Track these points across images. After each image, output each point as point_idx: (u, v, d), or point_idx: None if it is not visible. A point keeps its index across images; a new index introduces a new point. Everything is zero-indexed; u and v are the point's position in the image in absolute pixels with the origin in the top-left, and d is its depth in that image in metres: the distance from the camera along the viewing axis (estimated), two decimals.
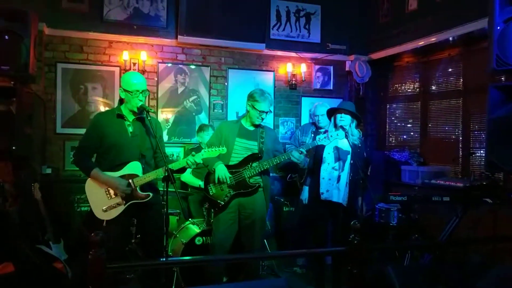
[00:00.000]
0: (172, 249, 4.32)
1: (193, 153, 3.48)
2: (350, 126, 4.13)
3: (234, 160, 3.88)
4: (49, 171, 5.21)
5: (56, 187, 5.07)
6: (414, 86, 6.33)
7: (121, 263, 2.79)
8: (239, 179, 3.84)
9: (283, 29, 6.29)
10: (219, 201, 3.85)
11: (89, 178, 3.43)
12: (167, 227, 3.32)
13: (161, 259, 3.39)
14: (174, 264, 3.68)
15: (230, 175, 3.81)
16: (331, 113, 4.27)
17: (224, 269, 4.14)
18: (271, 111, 4.04)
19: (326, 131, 3.92)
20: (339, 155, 4.16)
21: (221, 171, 3.79)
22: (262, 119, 3.96)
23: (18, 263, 3.91)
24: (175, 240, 4.39)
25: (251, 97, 3.96)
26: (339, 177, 4.13)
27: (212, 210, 4.20)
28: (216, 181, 3.82)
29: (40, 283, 3.98)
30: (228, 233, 3.92)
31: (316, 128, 5.26)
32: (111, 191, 3.40)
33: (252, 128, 4.01)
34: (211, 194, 3.90)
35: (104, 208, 3.36)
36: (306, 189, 4.43)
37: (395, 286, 3.09)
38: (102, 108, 5.51)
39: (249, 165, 3.84)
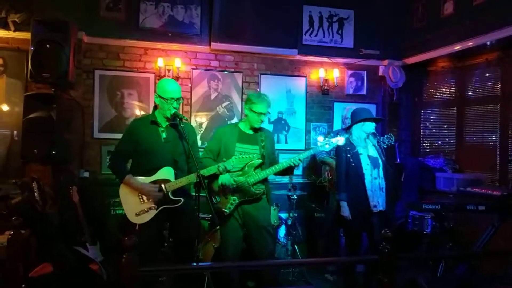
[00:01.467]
0: (204, 253, 4.38)
1: (224, 159, 3.53)
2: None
3: (236, 166, 3.76)
4: (86, 174, 5.38)
5: (93, 190, 5.22)
6: (449, 91, 6.20)
7: (152, 267, 2.86)
8: (243, 186, 3.77)
9: (316, 35, 6.28)
10: (224, 209, 3.76)
11: (122, 184, 3.54)
12: (198, 232, 3.38)
13: (192, 264, 3.45)
14: (204, 268, 3.72)
15: (233, 182, 3.74)
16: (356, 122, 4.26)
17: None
18: (269, 113, 3.96)
19: (327, 134, 3.85)
20: (374, 163, 4.15)
21: (224, 177, 3.71)
22: (262, 121, 3.88)
23: (56, 264, 4.06)
24: (207, 245, 4.45)
25: (248, 100, 3.88)
26: (379, 184, 4.13)
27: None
28: (221, 188, 3.74)
29: (77, 284, 4.11)
30: (237, 240, 3.89)
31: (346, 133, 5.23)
32: (144, 196, 3.49)
33: (251, 132, 3.93)
34: (215, 203, 3.81)
35: (137, 212, 3.46)
36: (345, 205, 4.21)
37: None
38: (138, 113, 5.64)
39: (252, 172, 3.78)
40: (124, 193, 3.53)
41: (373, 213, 4.12)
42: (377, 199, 4.11)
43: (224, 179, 3.70)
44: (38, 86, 4.93)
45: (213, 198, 3.82)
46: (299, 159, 3.73)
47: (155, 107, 3.67)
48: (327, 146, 3.77)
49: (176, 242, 3.79)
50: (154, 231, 3.53)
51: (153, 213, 3.47)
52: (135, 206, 3.48)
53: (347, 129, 4.37)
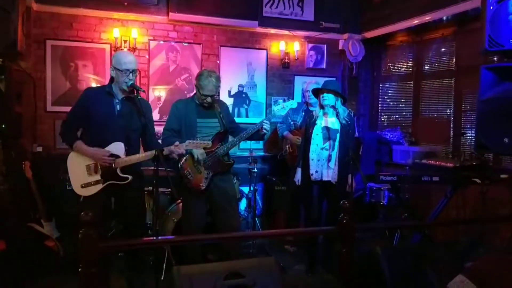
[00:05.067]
0: (164, 228, 4.34)
1: (177, 143, 3.44)
2: (335, 104, 4.17)
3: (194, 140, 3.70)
4: (40, 149, 5.20)
5: (47, 165, 5.04)
6: (407, 65, 6.31)
7: (111, 243, 2.81)
8: (215, 159, 3.77)
9: (276, 7, 6.21)
10: (201, 185, 3.75)
11: (71, 152, 3.44)
12: (157, 207, 3.33)
13: (153, 238, 3.41)
14: (164, 243, 3.70)
15: (206, 156, 3.74)
16: (317, 93, 4.31)
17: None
18: (219, 86, 3.86)
19: (283, 101, 3.98)
20: (329, 134, 4.20)
21: (198, 152, 3.70)
22: (209, 101, 3.82)
23: (10, 241, 3.93)
24: (167, 219, 4.41)
25: (197, 80, 3.80)
26: (329, 157, 4.18)
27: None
28: (195, 163, 3.74)
29: (32, 261, 4.00)
30: (202, 215, 3.92)
31: (307, 107, 5.27)
32: (92, 168, 3.39)
33: (207, 105, 3.88)
34: (190, 179, 3.78)
35: (82, 184, 3.37)
36: (299, 171, 4.43)
37: (384, 266, 3.14)
38: (94, 85, 5.44)
39: (220, 144, 3.78)
40: (73, 163, 3.43)
41: (312, 181, 4.25)
42: (317, 169, 4.21)
43: (198, 153, 3.68)
44: None
45: (187, 175, 3.77)
46: (262, 125, 3.75)
47: (111, 79, 3.54)
48: (282, 109, 3.87)
49: (124, 219, 3.74)
50: (100, 205, 3.42)
51: (99, 187, 3.38)
52: (81, 178, 3.38)
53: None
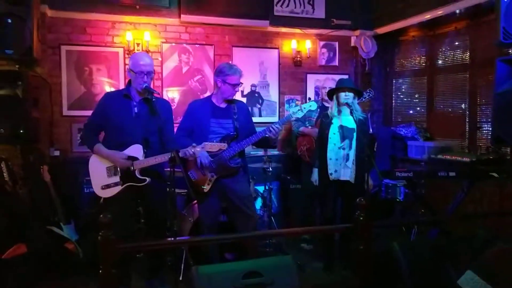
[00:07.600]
0: (181, 228, 4.38)
1: (194, 144, 3.45)
2: (352, 102, 4.16)
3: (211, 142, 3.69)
4: (57, 153, 5.26)
5: (64, 169, 5.12)
6: (420, 60, 6.26)
7: (130, 244, 2.84)
8: (220, 162, 3.74)
9: (287, 5, 6.20)
10: (203, 187, 3.74)
11: (93, 155, 3.55)
12: (174, 207, 3.37)
13: (170, 239, 3.45)
14: (182, 243, 3.73)
15: (212, 159, 3.70)
16: (332, 92, 4.29)
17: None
18: (242, 83, 3.91)
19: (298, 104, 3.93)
20: (345, 133, 4.18)
21: (202, 155, 3.66)
22: (236, 92, 3.86)
23: (30, 244, 4.00)
24: (184, 219, 4.44)
25: (220, 72, 3.79)
26: (347, 156, 4.17)
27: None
28: (199, 166, 3.71)
29: (52, 263, 4.07)
30: (214, 213, 3.92)
31: (322, 103, 5.24)
32: (112, 170, 3.48)
33: (224, 106, 3.89)
34: (193, 180, 3.78)
35: (102, 185, 3.48)
36: (316, 171, 4.39)
37: (401, 262, 3.13)
38: (108, 89, 5.50)
39: (227, 147, 3.71)
40: (93, 165, 3.54)
41: (331, 181, 4.22)
42: (336, 168, 4.19)
43: (202, 157, 3.66)
44: (1, 63, 4.73)
45: (190, 176, 3.78)
46: (272, 128, 3.68)
47: (129, 82, 3.62)
48: (300, 111, 3.77)
49: (148, 219, 3.81)
50: (120, 207, 3.48)
51: (118, 188, 3.47)
52: (101, 179, 3.49)
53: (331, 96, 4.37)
